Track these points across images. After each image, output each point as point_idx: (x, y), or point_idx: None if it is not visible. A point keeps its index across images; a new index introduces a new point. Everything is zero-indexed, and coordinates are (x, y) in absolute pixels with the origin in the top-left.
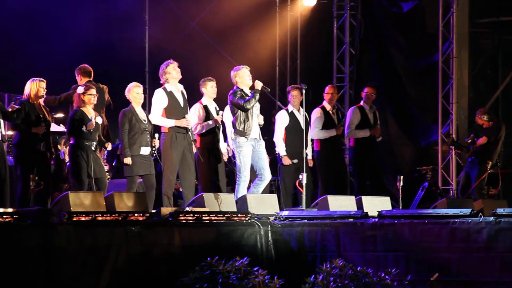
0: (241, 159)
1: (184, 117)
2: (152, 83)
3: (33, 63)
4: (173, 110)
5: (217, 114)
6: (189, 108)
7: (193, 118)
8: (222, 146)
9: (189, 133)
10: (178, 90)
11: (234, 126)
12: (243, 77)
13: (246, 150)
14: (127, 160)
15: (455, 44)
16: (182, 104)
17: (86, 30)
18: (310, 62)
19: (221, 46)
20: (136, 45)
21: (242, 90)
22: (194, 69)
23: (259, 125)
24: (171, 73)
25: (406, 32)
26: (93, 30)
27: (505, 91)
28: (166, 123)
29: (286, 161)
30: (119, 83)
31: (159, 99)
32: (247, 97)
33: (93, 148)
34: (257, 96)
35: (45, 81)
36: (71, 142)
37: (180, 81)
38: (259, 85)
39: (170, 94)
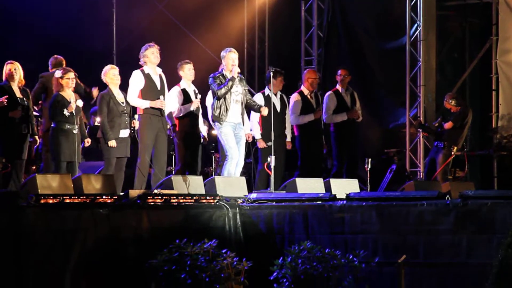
0: (223, 137)
1: (159, 98)
2: (119, 66)
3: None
4: (149, 92)
5: (196, 98)
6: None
7: (171, 101)
8: (202, 128)
9: (165, 116)
10: (156, 73)
11: (212, 110)
12: (226, 61)
13: (226, 129)
14: (112, 143)
15: (423, 27)
16: (158, 86)
17: (50, 11)
18: (279, 44)
19: (189, 28)
20: (103, 27)
21: (222, 74)
22: (162, 51)
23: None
24: (149, 57)
25: (374, 15)
26: (60, 13)
27: (472, 74)
28: (141, 104)
29: (261, 144)
30: (87, 66)
31: (136, 80)
32: (221, 85)
33: (74, 131)
34: (230, 84)
35: (15, 62)
36: (52, 125)
37: None
38: (235, 72)
39: (147, 76)
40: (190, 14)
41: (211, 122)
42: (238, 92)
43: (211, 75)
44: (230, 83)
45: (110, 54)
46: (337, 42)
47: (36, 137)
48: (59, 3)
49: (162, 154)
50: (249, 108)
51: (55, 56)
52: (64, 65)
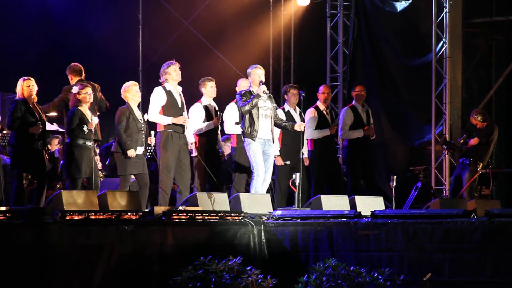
0: (251, 155)
1: (181, 115)
2: (145, 82)
3: (23, 60)
4: (171, 108)
5: (216, 115)
6: (186, 109)
7: (193, 118)
8: (220, 144)
9: (186, 133)
10: (177, 91)
11: (242, 127)
12: (253, 77)
13: (255, 146)
14: (131, 152)
15: (449, 44)
16: (180, 104)
17: (79, 28)
18: (304, 61)
19: (215, 45)
20: (130, 44)
21: (249, 91)
22: (187, 68)
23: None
24: (171, 74)
25: (399, 31)
26: (87, 28)
27: (498, 91)
28: (163, 120)
29: (279, 161)
30: (112, 82)
31: (158, 96)
32: (246, 102)
33: (89, 147)
34: (255, 101)
35: (32, 78)
36: (67, 140)
37: None
38: (260, 90)
39: (169, 93)
40: (215, 32)
41: (243, 138)
42: (267, 107)
43: (238, 92)
44: (255, 100)
45: (136, 70)
46: (363, 59)
47: (45, 153)
48: (85, 18)
49: (186, 171)
50: (278, 127)
51: (74, 63)
52: (84, 75)
